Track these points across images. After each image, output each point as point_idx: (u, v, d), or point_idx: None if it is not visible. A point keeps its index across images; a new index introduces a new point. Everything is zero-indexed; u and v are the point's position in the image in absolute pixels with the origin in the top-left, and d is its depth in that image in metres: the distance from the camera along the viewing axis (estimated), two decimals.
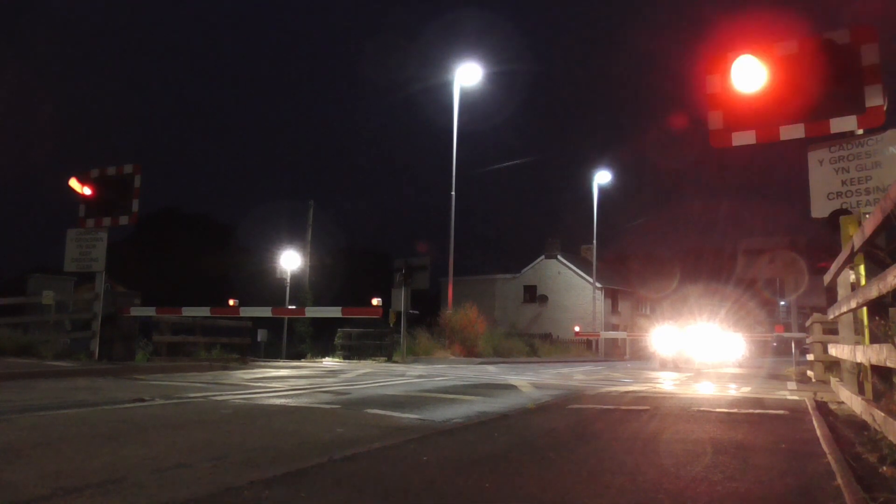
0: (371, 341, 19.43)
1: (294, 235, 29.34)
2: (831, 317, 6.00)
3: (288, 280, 26.56)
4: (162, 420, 4.70)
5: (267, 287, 28.21)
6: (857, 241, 4.07)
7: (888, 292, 3.29)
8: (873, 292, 3.54)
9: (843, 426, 4.25)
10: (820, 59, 6.01)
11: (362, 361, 16.48)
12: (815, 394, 6.65)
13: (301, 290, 26.90)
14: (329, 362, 15.97)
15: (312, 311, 12.04)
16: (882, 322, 3.85)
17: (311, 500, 2.27)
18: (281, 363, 14.85)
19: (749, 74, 6.34)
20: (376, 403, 5.94)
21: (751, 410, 5.42)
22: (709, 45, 6.82)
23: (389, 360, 17.38)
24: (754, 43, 6.49)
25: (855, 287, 5.24)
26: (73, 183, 11.55)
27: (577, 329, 33.71)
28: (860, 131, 6.05)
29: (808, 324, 12.45)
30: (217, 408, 5.52)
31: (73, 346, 11.81)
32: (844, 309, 5.14)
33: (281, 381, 8.63)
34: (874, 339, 3.90)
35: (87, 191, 11.62)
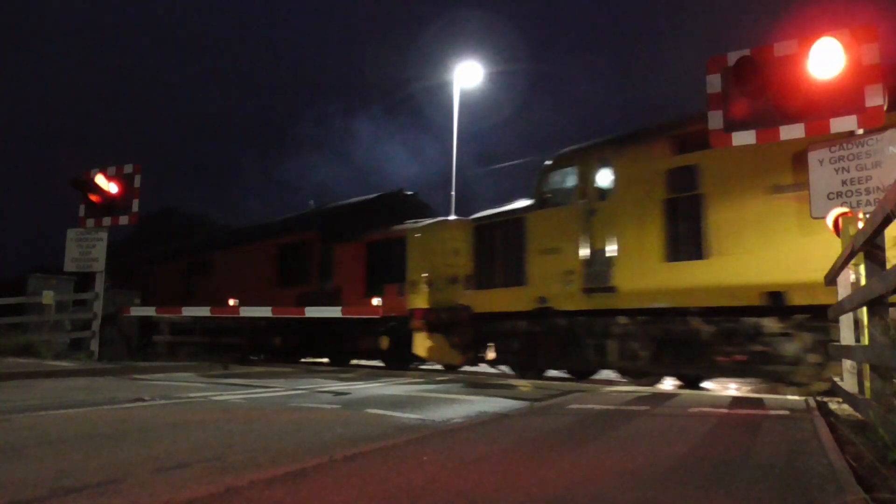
0: None
1: None
2: (831, 317, 6.00)
3: None
4: (162, 420, 4.70)
5: None
6: (858, 240, 4.07)
7: (888, 292, 3.30)
8: (873, 292, 3.54)
9: (843, 426, 4.25)
10: (820, 59, 6.01)
11: (363, 361, 16.46)
12: (815, 394, 6.66)
13: None
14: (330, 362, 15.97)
15: (312, 312, 12.07)
16: (882, 322, 3.85)
17: (311, 500, 2.27)
18: (281, 363, 14.85)
19: (749, 74, 6.34)
20: (376, 403, 5.94)
21: (751, 410, 5.42)
22: (709, 45, 6.83)
23: None
24: (754, 42, 6.50)
25: (855, 287, 5.25)
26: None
27: None
28: (860, 131, 6.05)
29: None
30: (217, 408, 5.52)
31: (73, 346, 11.82)
32: (844, 308, 5.14)
33: (281, 381, 8.63)
34: (874, 339, 3.90)
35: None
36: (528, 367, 10.59)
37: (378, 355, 13.99)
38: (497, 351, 11.07)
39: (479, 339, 11.36)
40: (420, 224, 13.33)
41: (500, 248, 10.93)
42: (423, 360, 12.92)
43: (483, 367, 12.14)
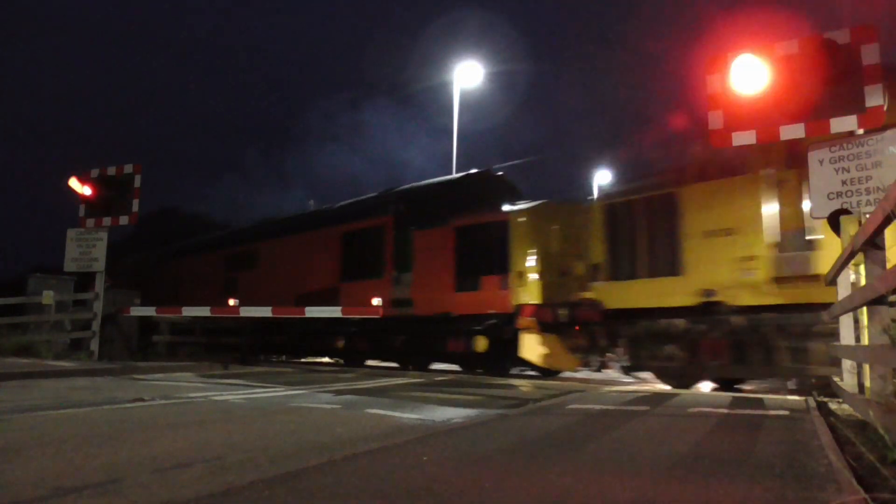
0: None
1: None
2: (831, 316, 5.99)
3: None
4: (162, 420, 4.70)
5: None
6: (858, 240, 4.07)
7: (888, 292, 3.29)
8: (873, 292, 3.54)
9: (843, 426, 4.25)
10: (820, 59, 6.01)
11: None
12: (815, 394, 6.66)
13: None
14: (329, 362, 15.96)
15: (312, 311, 11.97)
16: (882, 322, 3.85)
17: (311, 501, 2.27)
18: (281, 363, 14.85)
19: (749, 74, 6.34)
20: (376, 403, 5.94)
21: (751, 410, 5.43)
22: (709, 45, 6.83)
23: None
24: (755, 42, 6.49)
25: (855, 287, 5.24)
26: (73, 182, 11.58)
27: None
28: (860, 131, 6.05)
29: None
30: (217, 408, 5.52)
31: (73, 346, 11.81)
32: (845, 308, 5.14)
33: (281, 381, 8.63)
34: (874, 339, 3.90)
35: (86, 190, 11.64)
36: (684, 374, 8.67)
37: (459, 359, 12.12)
38: (635, 355, 9.21)
39: (607, 341, 9.64)
40: (526, 206, 11.51)
41: (643, 231, 9.08)
42: (526, 365, 10.91)
43: (607, 374, 10.57)
